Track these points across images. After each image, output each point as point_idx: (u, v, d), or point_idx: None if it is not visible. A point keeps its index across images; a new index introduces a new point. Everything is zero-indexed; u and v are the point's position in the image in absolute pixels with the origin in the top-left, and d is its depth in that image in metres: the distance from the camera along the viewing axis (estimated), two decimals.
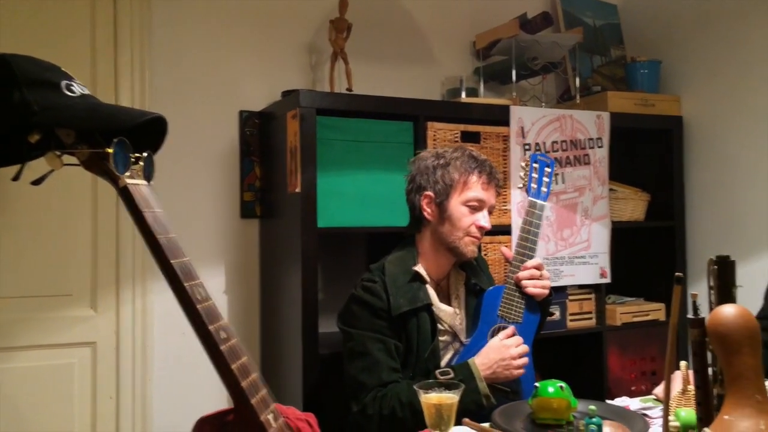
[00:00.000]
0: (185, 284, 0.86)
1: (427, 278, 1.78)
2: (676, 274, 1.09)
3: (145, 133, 0.92)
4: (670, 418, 1.31)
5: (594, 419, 1.21)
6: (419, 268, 1.78)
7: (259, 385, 0.90)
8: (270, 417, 0.90)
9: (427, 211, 1.79)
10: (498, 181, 1.82)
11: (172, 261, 0.86)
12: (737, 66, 2.77)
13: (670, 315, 1.04)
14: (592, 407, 1.21)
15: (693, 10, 2.95)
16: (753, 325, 1.01)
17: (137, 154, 0.90)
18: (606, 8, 3.23)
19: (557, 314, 2.66)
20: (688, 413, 1.33)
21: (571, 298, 2.71)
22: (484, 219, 1.77)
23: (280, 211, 2.47)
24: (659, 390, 1.76)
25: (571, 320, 2.71)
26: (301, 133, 2.24)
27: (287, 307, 2.36)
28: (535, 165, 1.86)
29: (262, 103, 2.63)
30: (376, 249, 2.56)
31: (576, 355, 2.86)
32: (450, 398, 1.31)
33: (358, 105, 2.36)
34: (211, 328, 0.87)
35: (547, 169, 1.86)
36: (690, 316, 1.07)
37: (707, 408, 1.08)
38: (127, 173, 0.87)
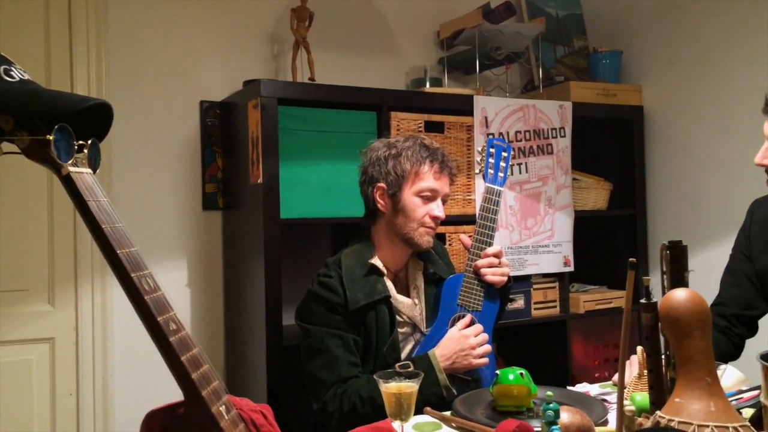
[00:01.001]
0: (132, 275, 0.84)
1: (384, 270, 1.77)
2: (630, 259, 1.10)
3: (91, 120, 0.90)
4: (626, 402, 1.33)
5: (551, 405, 1.21)
6: (376, 261, 1.76)
7: (211, 377, 0.89)
8: (222, 409, 0.88)
9: (381, 202, 1.77)
10: (451, 170, 1.80)
11: (117, 251, 0.84)
12: (695, 56, 2.81)
13: (625, 300, 1.05)
14: (549, 393, 1.21)
15: (653, 1, 2.98)
16: (703, 308, 1.03)
17: (81, 142, 0.87)
18: None
19: (522, 303, 2.69)
20: (643, 397, 1.35)
21: (535, 286, 2.74)
22: (437, 209, 1.76)
23: (243, 202, 2.44)
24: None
25: (535, 309, 2.73)
26: (263, 123, 2.21)
27: (251, 300, 2.34)
28: (491, 150, 1.84)
29: (223, 93, 2.59)
30: (340, 240, 2.55)
31: (541, 343, 2.89)
32: (409, 387, 1.31)
33: (320, 95, 2.34)
34: (159, 319, 0.85)
35: (504, 154, 1.84)
36: (643, 300, 1.09)
37: (660, 391, 1.09)
38: (71, 161, 0.85)
